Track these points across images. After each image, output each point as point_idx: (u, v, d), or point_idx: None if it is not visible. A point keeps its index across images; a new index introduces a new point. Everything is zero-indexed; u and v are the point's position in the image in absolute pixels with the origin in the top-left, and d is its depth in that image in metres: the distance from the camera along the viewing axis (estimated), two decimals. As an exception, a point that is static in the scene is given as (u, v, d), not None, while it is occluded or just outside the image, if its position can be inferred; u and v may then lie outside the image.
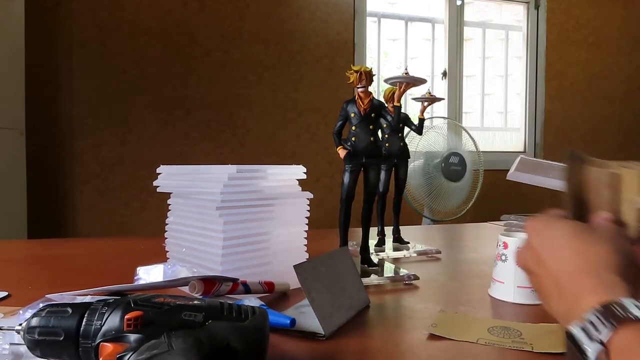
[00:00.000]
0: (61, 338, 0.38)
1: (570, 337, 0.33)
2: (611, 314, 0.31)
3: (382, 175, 1.01)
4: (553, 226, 0.40)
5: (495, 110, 3.25)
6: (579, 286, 0.35)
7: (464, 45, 3.07)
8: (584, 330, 0.32)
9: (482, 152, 2.47)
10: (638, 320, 0.31)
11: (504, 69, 3.24)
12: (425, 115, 1.11)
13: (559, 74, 3.23)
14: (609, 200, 0.42)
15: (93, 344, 0.37)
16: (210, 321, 0.39)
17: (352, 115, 0.80)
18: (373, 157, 0.81)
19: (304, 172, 0.79)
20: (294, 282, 0.61)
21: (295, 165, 0.78)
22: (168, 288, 0.68)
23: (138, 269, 0.69)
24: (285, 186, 0.78)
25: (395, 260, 0.99)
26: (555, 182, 0.50)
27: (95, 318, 0.38)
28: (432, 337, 0.56)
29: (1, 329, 0.43)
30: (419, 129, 1.08)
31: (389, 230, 1.10)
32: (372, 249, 0.99)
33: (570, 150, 0.44)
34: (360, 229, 0.84)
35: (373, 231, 0.92)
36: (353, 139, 0.80)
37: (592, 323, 0.32)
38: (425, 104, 1.12)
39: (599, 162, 0.43)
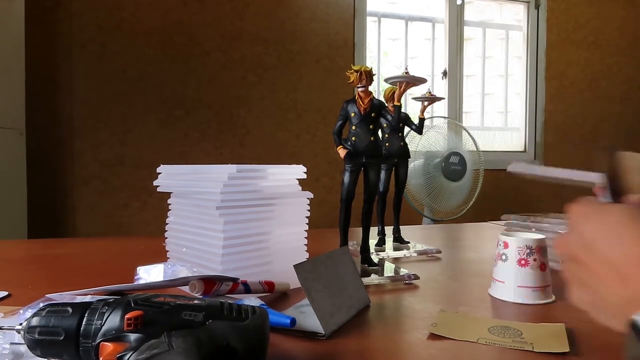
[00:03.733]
0: (61, 338, 0.38)
1: (634, 327, 0.31)
2: None
3: (382, 175, 1.01)
4: (605, 211, 0.37)
5: (495, 110, 3.25)
6: None
7: (464, 45, 3.07)
8: None
9: (482, 151, 2.47)
10: None
11: (504, 69, 3.24)
12: (426, 115, 1.11)
13: (559, 74, 3.23)
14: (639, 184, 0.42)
15: (93, 343, 0.37)
16: (210, 321, 0.39)
17: (352, 114, 0.80)
18: (373, 156, 0.81)
19: (304, 172, 0.79)
20: (294, 282, 0.61)
21: (295, 165, 0.78)
22: (168, 288, 0.68)
23: (138, 268, 0.69)
24: (285, 186, 0.78)
25: (396, 260, 0.99)
26: (559, 173, 0.49)
27: (96, 318, 0.38)
28: (432, 336, 0.55)
29: (1, 329, 0.43)
30: (419, 129, 1.08)
31: (389, 230, 1.10)
32: (372, 248, 0.99)
33: (608, 144, 0.44)
34: (360, 228, 0.84)
35: (373, 231, 0.92)
36: (353, 138, 0.80)
37: None
38: (426, 103, 1.12)
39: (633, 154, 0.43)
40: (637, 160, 0.42)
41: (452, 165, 2.29)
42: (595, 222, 0.37)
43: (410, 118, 1.06)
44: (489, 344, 0.54)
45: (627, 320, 0.32)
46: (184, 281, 0.60)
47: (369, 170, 0.81)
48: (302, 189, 0.79)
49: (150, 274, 0.68)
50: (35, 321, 0.38)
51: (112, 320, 0.38)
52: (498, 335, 0.56)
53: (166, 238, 0.82)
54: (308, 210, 0.80)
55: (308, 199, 0.79)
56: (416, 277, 0.81)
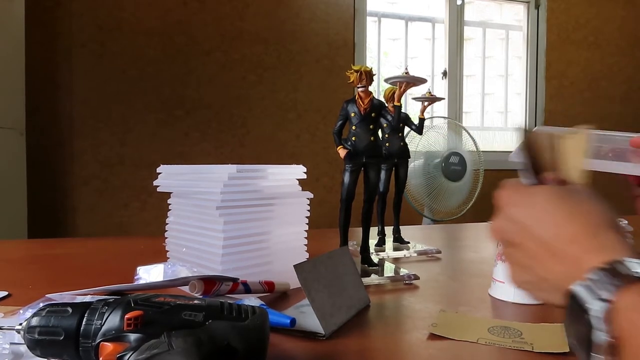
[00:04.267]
0: (61, 337, 0.38)
1: (572, 298, 0.32)
2: (616, 273, 0.31)
3: (382, 175, 1.01)
4: (532, 193, 0.39)
5: (495, 110, 3.25)
6: (580, 247, 0.34)
7: (464, 45, 3.07)
8: (588, 288, 0.32)
9: (482, 151, 2.47)
10: None
11: (504, 69, 3.24)
12: (426, 115, 1.11)
13: (559, 74, 3.24)
14: (552, 161, 0.43)
15: (93, 343, 0.37)
16: (210, 321, 0.39)
17: (352, 114, 0.80)
18: (373, 156, 0.81)
19: (304, 172, 0.79)
20: (294, 282, 0.61)
21: (295, 165, 0.78)
22: (168, 288, 0.68)
23: (138, 268, 0.69)
24: (285, 186, 0.78)
25: (396, 260, 0.99)
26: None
27: (96, 318, 0.38)
28: (432, 337, 0.55)
29: (1, 329, 0.43)
30: (419, 129, 1.08)
31: (389, 230, 1.10)
32: (372, 248, 0.99)
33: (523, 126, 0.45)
34: (360, 228, 0.84)
35: (373, 231, 0.92)
36: (353, 138, 0.80)
37: (596, 282, 0.31)
38: (426, 103, 1.12)
39: (551, 130, 0.45)
40: (547, 138, 0.44)
41: (452, 165, 2.29)
42: (525, 206, 0.39)
43: (410, 118, 1.06)
44: (489, 344, 0.54)
45: (565, 292, 0.33)
46: (184, 281, 0.60)
47: (369, 170, 0.81)
48: (302, 189, 0.79)
49: (150, 274, 0.68)
50: (35, 321, 0.38)
51: (112, 320, 0.38)
52: (498, 335, 0.56)
53: (166, 238, 0.82)
54: (308, 210, 0.80)
55: (308, 199, 0.79)
56: (416, 277, 0.81)
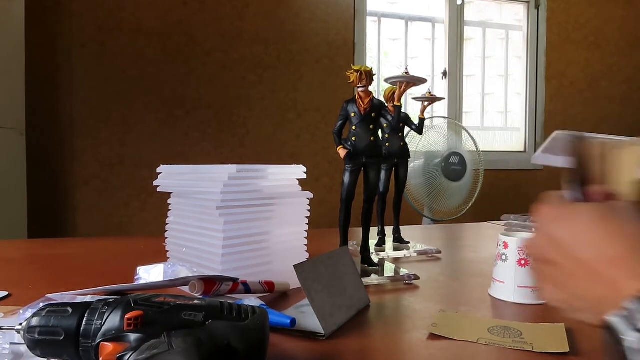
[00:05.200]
0: (61, 338, 0.38)
1: (608, 328, 0.31)
2: None
3: (382, 175, 1.01)
4: (573, 210, 0.37)
5: (495, 110, 3.25)
6: (620, 271, 0.33)
7: (464, 45, 3.07)
8: (624, 318, 0.30)
9: (482, 151, 2.47)
10: None
11: (504, 69, 3.24)
12: (426, 115, 1.11)
13: (559, 74, 3.23)
14: (602, 173, 0.41)
15: (93, 343, 0.37)
16: (210, 321, 0.39)
17: (353, 114, 0.80)
18: (373, 156, 0.81)
19: (304, 172, 0.79)
20: (294, 282, 0.61)
21: (295, 165, 0.78)
22: (168, 288, 0.68)
23: (138, 268, 0.69)
24: (285, 186, 0.78)
25: (396, 260, 0.99)
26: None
27: (96, 318, 0.38)
28: (432, 337, 0.55)
29: (1, 329, 0.43)
30: (419, 129, 1.08)
31: (389, 230, 1.10)
32: (372, 248, 0.99)
33: (571, 132, 0.42)
34: (360, 228, 0.84)
35: (373, 231, 0.92)
36: (353, 138, 0.80)
37: (633, 311, 0.30)
38: (426, 103, 1.12)
39: (604, 141, 0.42)
40: (598, 147, 0.41)
41: (452, 165, 2.29)
42: (566, 224, 0.37)
43: (410, 118, 1.06)
44: (489, 344, 0.54)
45: (602, 321, 0.32)
46: (184, 281, 0.60)
47: (369, 170, 0.81)
48: (302, 189, 0.79)
49: (150, 274, 0.68)
50: (35, 321, 0.38)
51: (112, 320, 0.38)
52: (498, 335, 0.56)
53: (166, 238, 0.82)
54: (308, 210, 0.80)
55: (308, 199, 0.79)
56: (416, 277, 0.81)
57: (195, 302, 0.41)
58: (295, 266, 0.55)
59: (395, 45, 3.03)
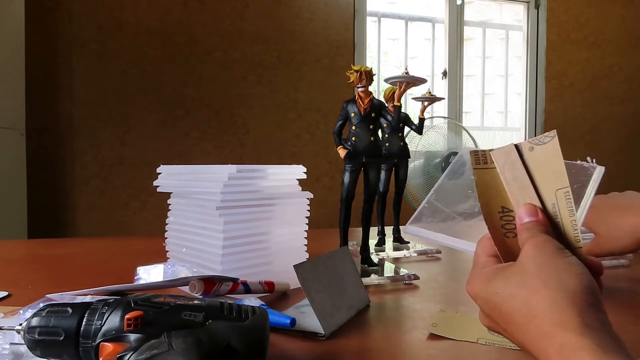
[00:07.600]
0: (61, 338, 0.38)
1: None
2: None
3: (382, 175, 1.01)
4: (489, 285, 0.42)
5: (495, 109, 3.25)
6: (543, 324, 0.34)
7: (464, 45, 3.07)
8: None
9: (482, 152, 2.47)
10: None
11: (504, 69, 3.24)
12: (426, 115, 1.11)
13: (559, 74, 3.24)
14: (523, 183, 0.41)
15: (93, 343, 0.37)
16: (210, 321, 0.39)
17: (352, 114, 0.80)
18: (373, 156, 0.81)
19: (304, 172, 0.79)
20: (294, 282, 0.61)
21: (295, 165, 0.78)
22: (168, 288, 0.68)
23: (138, 268, 0.69)
24: (285, 186, 0.78)
25: (396, 260, 0.99)
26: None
27: (96, 318, 0.38)
28: (432, 337, 0.55)
29: (1, 329, 0.43)
30: (419, 129, 1.08)
31: (389, 230, 1.10)
32: (372, 248, 0.99)
33: (472, 150, 0.41)
34: (360, 228, 0.84)
35: (373, 231, 0.92)
36: (353, 138, 0.80)
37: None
38: (426, 103, 1.12)
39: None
40: (501, 154, 0.41)
41: (452, 165, 2.29)
42: (490, 301, 0.41)
43: (410, 118, 1.06)
44: (489, 344, 0.54)
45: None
46: (184, 281, 0.60)
47: (369, 170, 0.81)
48: (302, 189, 0.79)
49: (150, 274, 0.68)
50: (35, 321, 0.38)
51: (112, 320, 0.38)
52: (498, 335, 0.56)
53: (166, 238, 0.82)
54: (308, 210, 0.80)
55: (308, 199, 0.79)
56: (416, 277, 0.81)
57: (195, 302, 0.40)
58: (295, 266, 0.55)
59: (395, 45, 3.04)
